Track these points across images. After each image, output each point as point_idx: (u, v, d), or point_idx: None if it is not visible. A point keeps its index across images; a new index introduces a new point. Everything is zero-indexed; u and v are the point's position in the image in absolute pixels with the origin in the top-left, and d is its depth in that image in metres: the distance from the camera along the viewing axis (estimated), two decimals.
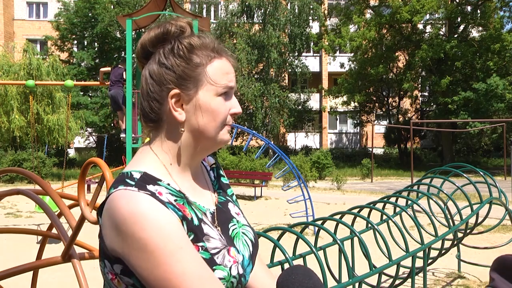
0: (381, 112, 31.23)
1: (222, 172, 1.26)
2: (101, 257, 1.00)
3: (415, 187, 4.66)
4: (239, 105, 1.10)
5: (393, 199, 4.46)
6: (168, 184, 1.02)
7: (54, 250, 5.46)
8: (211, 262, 0.97)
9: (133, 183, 0.96)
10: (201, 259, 0.94)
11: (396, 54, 26.72)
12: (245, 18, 27.61)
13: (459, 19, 25.63)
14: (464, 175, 4.61)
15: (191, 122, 1.05)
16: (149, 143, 1.09)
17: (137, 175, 0.99)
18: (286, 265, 2.76)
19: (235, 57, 1.12)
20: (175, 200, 0.99)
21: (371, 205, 3.78)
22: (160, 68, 1.05)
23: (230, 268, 0.99)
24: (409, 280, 3.55)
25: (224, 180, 1.24)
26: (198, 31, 1.11)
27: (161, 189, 0.98)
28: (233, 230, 1.10)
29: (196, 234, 0.99)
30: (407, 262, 3.68)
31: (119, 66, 9.33)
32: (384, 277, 4.38)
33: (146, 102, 1.06)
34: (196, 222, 1.01)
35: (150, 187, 0.97)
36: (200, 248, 0.98)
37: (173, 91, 1.03)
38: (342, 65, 29.16)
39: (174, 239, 0.91)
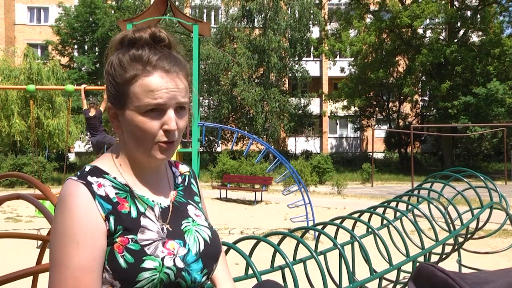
0: (381, 117, 31.25)
1: (193, 181, 1.31)
2: None
3: (416, 192, 4.65)
4: (174, 120, 1.06)
5: (393, 204, 4.45)
6: (115, 178, 1.09)
7: None
8: (141, 253, 1.02)
9: (79, 174, 1.06)
10: (92, 264, 0.99)
11: (396, 58, 26.75)
12: (246, 23, 27.67)
13: (459, 24, 25.67)
14: (465, 179, 4.60)
15: (126, 135, 1.11)
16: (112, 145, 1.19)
17: (87, 168, 1.09)
18: (287, 270, 2.75)
19: (180, 64, 1.10)
20: (117, 193, 1.07)
21: (372, 209, 3.77)
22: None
23: (163, 259, 1.03)
24: None
25: (194, 188, 1.30)
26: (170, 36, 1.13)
27: (104, 182, 1.07)
28: (185, 226, 1.15)
29: (128, 227, 1.04)
30: (408, 267, 3.67)
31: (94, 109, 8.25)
32: (384, 282, 4.37)
33: None
34: (134, 215, 1.07)
35: (92, 178, 1.06)
36: (130, 240, 1.03)
37: (108, 104, 1.12)
38: (342, 70, 29.20)
39: (75, 233, 0.98)
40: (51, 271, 0.99)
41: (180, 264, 1.05)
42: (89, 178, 1.05)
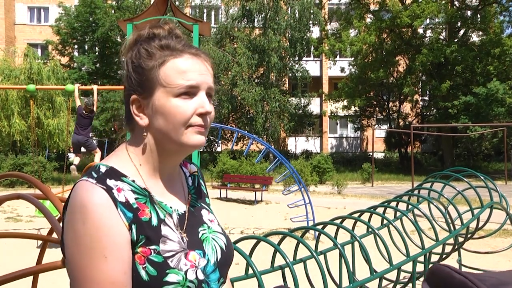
0: (382, 117, 31.27)
1: (202, 182, 1.26)
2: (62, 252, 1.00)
3: (416, 192, 4.65)
4: (209, 104, 1.04)
5: (393, 204, 4.46)
6: (133, 181, 1.02)
7: (55, 254, 5.46)
8: (164, 266, 0.97)
9: (96, 175, 0.98)
10: (123, 279, 0.93)
11: (397, 58, 26.77)
12: (246, 23, 27.67)
13: (459, 24, 25.70)
14: (465, 179, 4.60)
15: (153, 126, 1.05)
16: (127, 143, 1.10)
17: (103, 169, 1.01)
18: (287, 270, 2.75)
19: (205, 53, 1.09)
20: (136, 198, 1.00)
21: (372, 209, 3.77)
22: (124, 74, 1.08)
23: (186, 272, 0.99)
24: (410, 284, 3.54)
25: (204, 189, 1.25)
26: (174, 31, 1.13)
27: (123, 185, 0.99)
28: (202, 234, 1.10)
29: (150, 236, 0.98)
30: (408, 266, 3.66)
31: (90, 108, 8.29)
32: (384, 282, 4.37)
33: (124, 105, 1.09)
34: (154, 222, 1.00)
35: (111, 182, 0.98)
36: (153, 251, 0.97)
37: (132, 97, 1.05)
38: (342, 70, 29.21)
39: (103, 246, 0.91)
40: (75, 287, 0.92)
41: (201, 276, 1.01)
42: (108, 182, 0.97)
